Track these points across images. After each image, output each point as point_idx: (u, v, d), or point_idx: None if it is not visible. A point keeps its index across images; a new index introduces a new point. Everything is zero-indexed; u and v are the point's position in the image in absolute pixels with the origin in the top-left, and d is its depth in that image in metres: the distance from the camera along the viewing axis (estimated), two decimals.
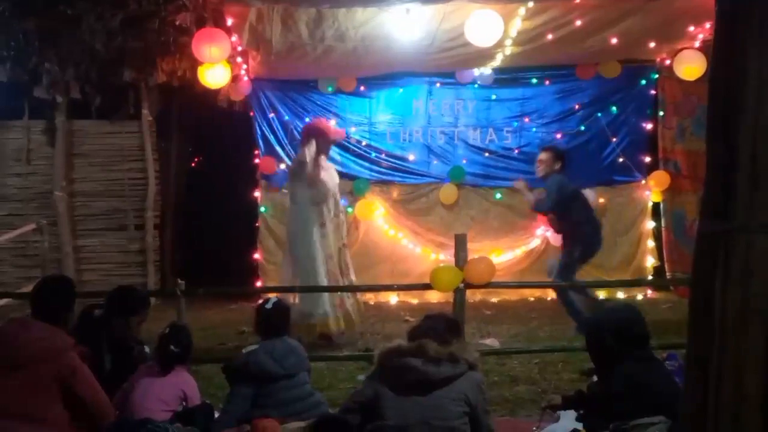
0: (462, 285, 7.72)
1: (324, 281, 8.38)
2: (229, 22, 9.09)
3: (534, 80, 11.35)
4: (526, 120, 11.43)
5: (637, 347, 4.62)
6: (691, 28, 9.59)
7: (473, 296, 9.81)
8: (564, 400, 5.02)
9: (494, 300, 10.80)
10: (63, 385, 4.69)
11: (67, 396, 4.71)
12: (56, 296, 5.10)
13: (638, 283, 11.35)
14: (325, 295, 8.41)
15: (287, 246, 8.91)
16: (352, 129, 11.33)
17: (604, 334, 4.60)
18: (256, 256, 11.29)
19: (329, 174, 8.70)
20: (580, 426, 4.90)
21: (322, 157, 8.65)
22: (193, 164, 13.83)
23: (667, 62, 10.72)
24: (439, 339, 4.74)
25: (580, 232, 8.98)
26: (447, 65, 10.66)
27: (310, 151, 8.50)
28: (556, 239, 11.08)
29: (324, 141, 8.67)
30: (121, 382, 5.47)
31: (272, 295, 6.37)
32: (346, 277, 8.69)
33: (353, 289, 8.92)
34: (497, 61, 10.40)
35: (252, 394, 5.37)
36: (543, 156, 9.22)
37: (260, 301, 6.14)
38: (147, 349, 5.92)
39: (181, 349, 5.54)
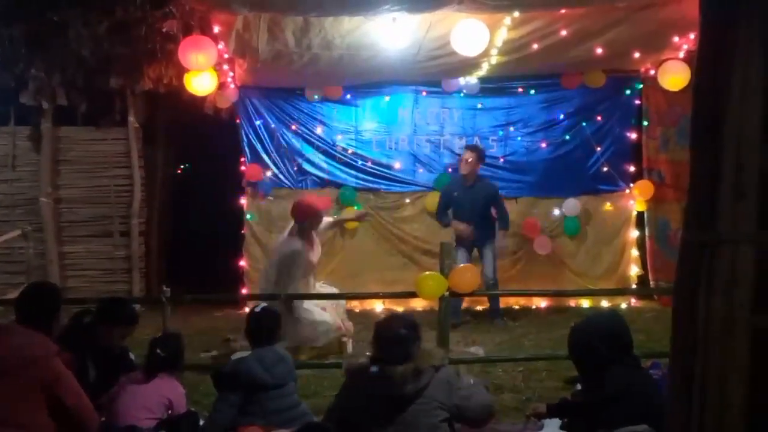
0: (447, 293, 7.75)
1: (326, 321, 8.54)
2: (216, 29, 9.09)
3: (519, 89, 11.37)
4: (512, 129, 11.45)
5: (624, 354, 4.65)
6: (676, 39, 9.65)
7: None
8: (548, 408, 5.04)
9: (479, 308, 10.82)
10: (47, 391, 4.67)
11: (51, 403, 4.70)
12: (42, 303, 5.07)
13: (622, 291, 11.38)
14: (328, 327, 8.51)
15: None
16: (338, 137, 11.36)
17: (593, 340, 4.61)
18: (242, 263, 11.28)
19: (316, 249, 8.84)
20: None
21: (313, 233, 8.81)
22: (179, 171, 13.81)
23: (652, 72, 10.77)
24: (404, 354, 4.71)
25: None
26: (433, 74, 10.68)
27: (302, 236, 8.61)
28: (542, 247, 11.13)
29: (316, 220, 8.80)
30: (105, 389, 5.47)
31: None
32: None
33: (339, 297, 8.94)
34: (483, 70, 10.43)
35: (239, 402, 5.37)
36: (469, 156, 10.12)
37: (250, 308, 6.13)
38: (132, 356, 5.93)
39: (168, 354, 5.53)
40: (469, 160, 10.04)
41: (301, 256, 8.44)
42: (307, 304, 8.43)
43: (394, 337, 4.78)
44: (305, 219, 8.65)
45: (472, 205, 10.08)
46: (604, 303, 11.17)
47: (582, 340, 4.73)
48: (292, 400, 5.55)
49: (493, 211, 10.25)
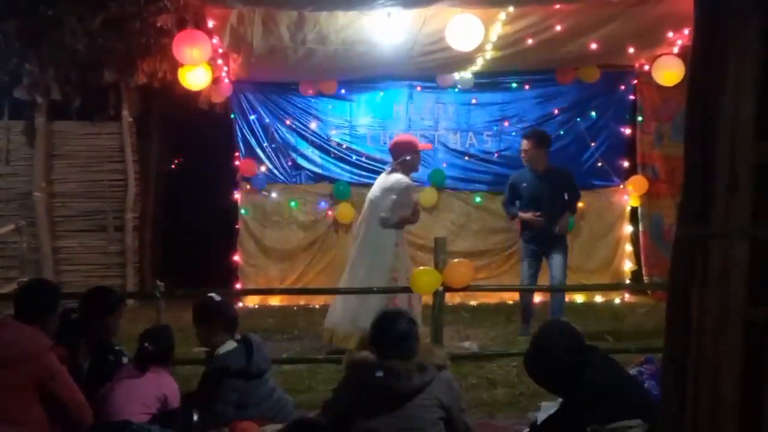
0: (441, 288, 7.76)
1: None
2: (210, 24, 9.09)
3: (514, 85, 11.38)
4: (506, 124, 11.45)
5: (589, 351, 4.65)
6: (670, 34, 9.66)
7: (452, 299, 9.78)
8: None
9: (473, 303, 10.83)
10: (41, 386, 4.68)
11: (45, 397, 4.71)
12: (39, 299, 5.08)
13: (616, 287, 11.40)
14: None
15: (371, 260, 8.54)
16: (333, 132, 11.35)
17: (558, 354, 4.56)
18: (236, 258, 11.28)
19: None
20: None
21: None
22: (173, 166, 13.79)
23: (646, 68, 10.77)
24: (409, 349, 4.72)
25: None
26: (428, 69, 10.68)
27: (405, 170, 8.53)
28: None
29: (417, 157, 8.70)
30: (98, 384, 5.46)
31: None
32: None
33: (337, 291, 8.88)
34: (477, 65, 10.44)
35: (232, 395, 5.36)
36: (525, 145, 9.35)
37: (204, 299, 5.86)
38: (125, 360, 5.86)
39: (157, 348, 5.51)
40: (526, 149, 9.32)
41: (412, 190, 8.63)
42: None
43: (398, 334, 4.75)
44: (404, 152, 8.50)
45: (543, 196, 9.21)
46: (598, 298, 11.21)
47: (547, 360, 4.65)
48: (270, 388, 5.54)
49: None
